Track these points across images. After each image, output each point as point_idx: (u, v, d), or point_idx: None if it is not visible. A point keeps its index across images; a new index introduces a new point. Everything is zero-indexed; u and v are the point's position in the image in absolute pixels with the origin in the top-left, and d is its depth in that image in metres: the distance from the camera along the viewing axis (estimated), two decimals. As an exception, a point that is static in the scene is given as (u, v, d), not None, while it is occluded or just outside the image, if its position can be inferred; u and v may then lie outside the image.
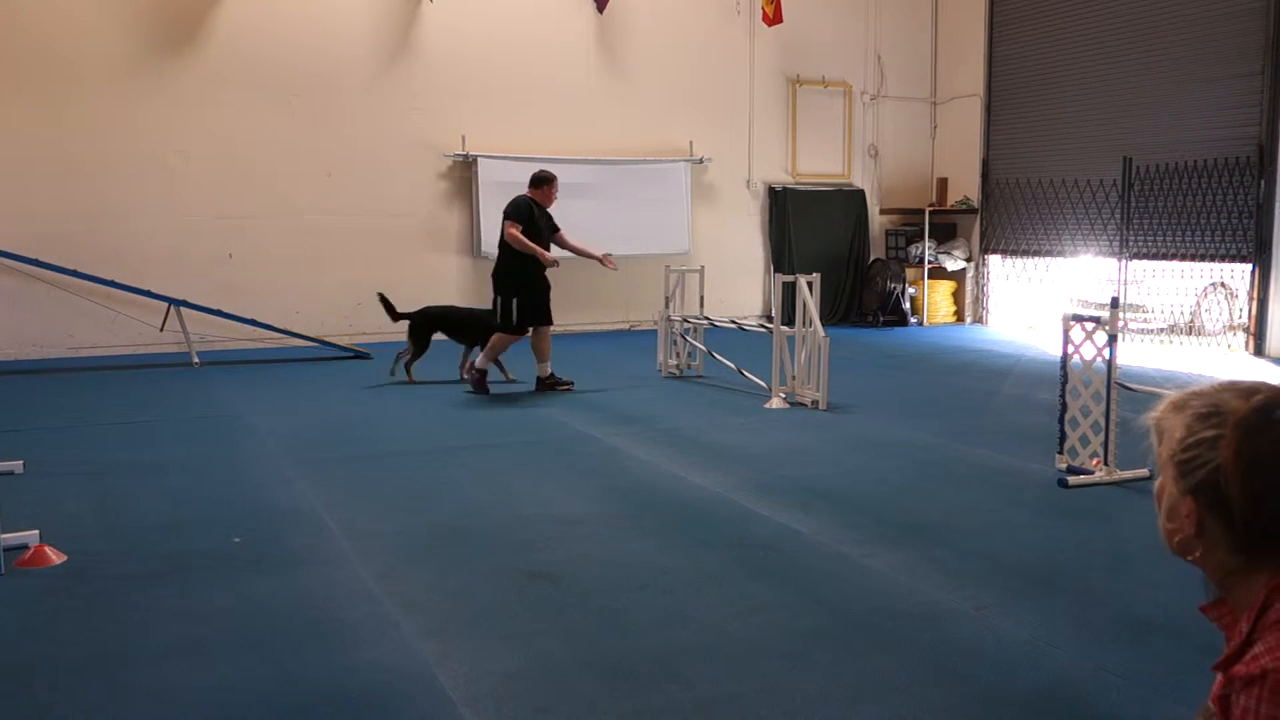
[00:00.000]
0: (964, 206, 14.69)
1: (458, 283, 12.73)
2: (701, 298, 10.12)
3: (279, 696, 3.25)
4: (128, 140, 11.08)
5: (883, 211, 15.08)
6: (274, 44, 11.57)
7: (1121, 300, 10.51)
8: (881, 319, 14.25)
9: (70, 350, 10.93)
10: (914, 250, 14.67)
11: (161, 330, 10.57)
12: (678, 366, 9.77)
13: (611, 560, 4.54)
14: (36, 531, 4.59)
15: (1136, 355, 10.45)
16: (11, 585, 4.22)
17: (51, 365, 10.38)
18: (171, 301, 10.51)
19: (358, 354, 10.91)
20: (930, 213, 14.62)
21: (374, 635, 3.71)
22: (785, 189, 14.28)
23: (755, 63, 14.05)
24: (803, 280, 8.21)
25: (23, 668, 3.47)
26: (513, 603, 4.03)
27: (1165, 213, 11.94)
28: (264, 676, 3.38)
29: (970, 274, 14.76)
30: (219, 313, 10.74)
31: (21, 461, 6.04)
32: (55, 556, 4.48)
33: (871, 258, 14.77)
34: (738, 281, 14.08)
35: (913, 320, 14.42)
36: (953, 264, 14.66)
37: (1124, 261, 12.31)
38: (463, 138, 12.42)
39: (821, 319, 8.23)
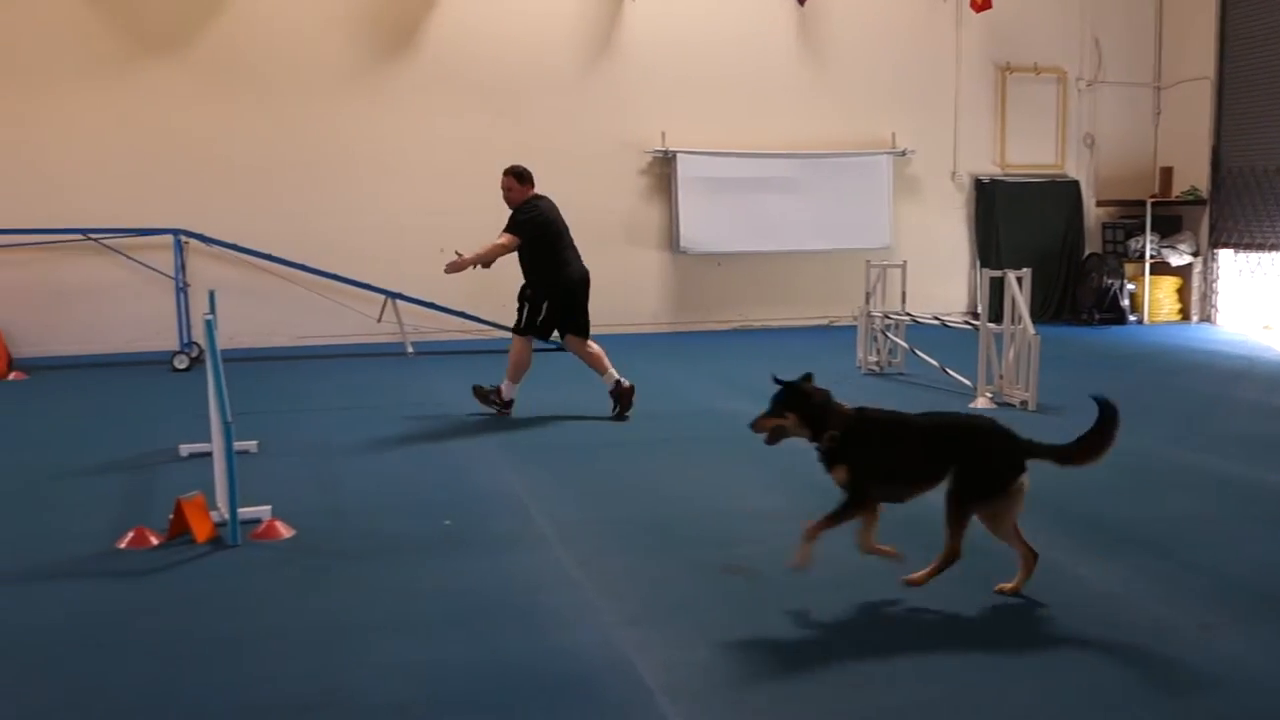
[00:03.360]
0: (1191, 197, 13.73)
1: (657, 276, 12.87)
2: (904, 293, 9.87)
3: (484, 675, 3.37)
4: (350, 144, 11.75)
5: (1099, 203, 14.28)
6: (481, 47, 11.99)
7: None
8: (1097, 317, 13.51)
9: (297, 339, 11.70)
10: (1134, 244, 13.84)
11: (379, 321, 11.18)
12: (878, 363, 9.57)
13: (808, 557, 4.49)
14: (269, 506, 4.96)
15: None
16: (246, 556, 4.56)
17: (280, 353, 11.14)
18: (388, 294, 11.10)
19: (559, 346, 11.18)
20: (1152, 204, 13.75)
21: (575, 620, 3.81)
22: (993, 180, 13.75)
23: (962, 50, 13.56)
24: (1011, 276, 7.89)
25: (255, 636, 3.74)
26: (709, 595, 4.05)
27: None
28: (470, 655, 3.51)
29: (1197, 269, 13.79)
30: (431, 305, 11.27)
31: (256, 441, 6.51)
32: (285, 531, 4.82)
33: (1086, 252, 14.03)
34: (942, 277, 13.65)
35: (1132, 318, 13.61)
36: (1177, 259, 13.74)
37: (1377, 256, 11.24)
38: (662, 134, 12.54)
39: (1032, 316, 7.88)
